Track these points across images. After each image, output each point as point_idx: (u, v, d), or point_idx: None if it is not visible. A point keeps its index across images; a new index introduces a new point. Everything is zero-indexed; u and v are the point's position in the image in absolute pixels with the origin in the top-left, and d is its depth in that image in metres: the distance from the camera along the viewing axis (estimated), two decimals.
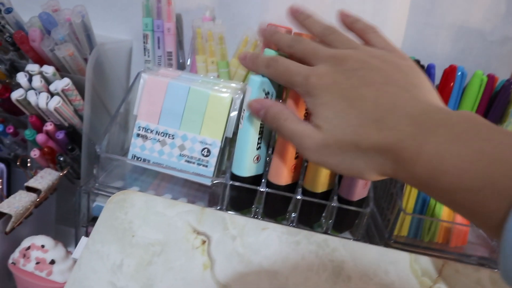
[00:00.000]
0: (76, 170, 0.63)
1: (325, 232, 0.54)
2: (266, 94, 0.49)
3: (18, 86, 0.58)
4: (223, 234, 0.41)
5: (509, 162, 0.25)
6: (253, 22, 0.64)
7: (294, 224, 0.53)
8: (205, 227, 0.41)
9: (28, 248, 0.51)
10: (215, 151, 0.56)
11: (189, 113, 0.56)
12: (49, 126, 0.58)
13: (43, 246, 0.51)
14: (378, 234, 0.58)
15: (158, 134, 0.57)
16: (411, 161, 0.29)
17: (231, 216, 0.43)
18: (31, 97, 0.55)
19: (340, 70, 0.35)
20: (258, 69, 0.43)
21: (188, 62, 0.66)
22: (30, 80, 0.56)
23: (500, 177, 0.25)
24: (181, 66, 0.66)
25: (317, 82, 0.35)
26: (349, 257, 0.42)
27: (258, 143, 0.51)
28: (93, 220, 0.56)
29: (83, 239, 0.40)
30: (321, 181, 0.51)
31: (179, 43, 0.64)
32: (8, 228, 0.52)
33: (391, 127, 0.31)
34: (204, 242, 0.40)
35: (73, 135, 0.60)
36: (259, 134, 0.50)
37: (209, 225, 0.41)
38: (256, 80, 0.48)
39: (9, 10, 0.54)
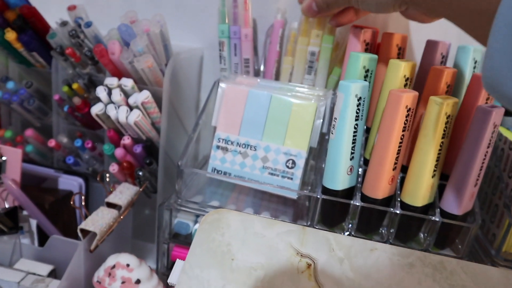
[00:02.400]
0: (153, 184, 0.62)
1: (426, 249, 0.49)
2: (358, 100, 0.45)
3: (96, 100, 0.57)
4: (329, 257, 0.37)
5: None
6: None
7: (391, 241, 0.49)
8: (308, 248, 0.38)
9: (113, 267, 0.50)
10: (301, 163, 0.52)
11: (271, 123, 0.53)
12: (126, 140, 0.57)
13: (128, 265, 0.49)
14: (482, 250, 0.53)
15: (239, 146, 0.54)
16: None
17: (335, 236, 0.39)
18: (111, 111, 0.54)
19: None
20: None
21: (262, 68, 0.63)
22: (109, 94, 0.54)
23: None
24: (256, 73, 0.63)
25: None
26: (471, 281, 0.37)
27: (351, 153, 0.47)
28: (175, 236, 0.54)
29: (178, 263, 0.38)
30: (422, 194, 0.46)
31: (254, 49, 0.61)
32: (92, 246, 0.51)
33: None
34: (309, 265, 0.37)
35: (150, 149, 0.59)
36: (352, 143, 0.46)
37: (312, 247, 0.38)
38: (347, 85, 0.44)
39: (88, 24, 0.54)
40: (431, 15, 0.42)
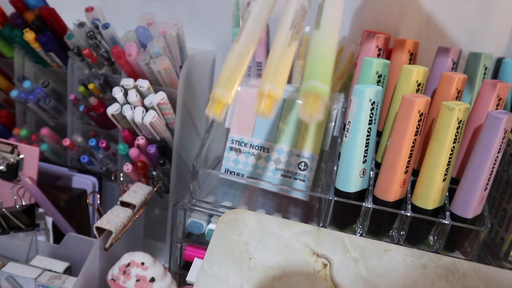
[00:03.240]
0: (166, 184, 0.62)
1: (436, 252, 0.50)
2: (372, 104, 0.46)
3: (111, 100, 0.58)
4: (344, 257, 0.38)
5: None
6: (344, 30, 0.62)
7: (401, 243, 0.49)
8: (324, 249, 0.39)
9: (128, 265, 0.50)
10: (313, 165, 0.53)
11: (284, 125, 0.54)
12: (140, 140, 0.58)
13: (142, 263, 0.50)
14: (491, 254, 0.53)
15: (252, 148, 0.55)
16: None
17: (350, 237, 0.40)
18: (127, 111, 0.55)
19: None
20: None
21: None
22: (125, 95, 0.55)
23: None
24: None
25: None
26: (483, 284, 0.38)
27: (364, 156, 0.48)
28: (188, 236, 0.55)
29: (197, 261, 0.39)
30: (433, 197, 0.47)
31: (267, 53, 0.62)
32: (107, 244, 0.51)
33: None
34: (325, 265, 0.37)
35: (164, 149, 0.60)
36: (366, 146, 0.47)
37: (328, 247, 0.39)
38: (362, 89, 0.45)
39: (106, 26, 0.55)
40: None
